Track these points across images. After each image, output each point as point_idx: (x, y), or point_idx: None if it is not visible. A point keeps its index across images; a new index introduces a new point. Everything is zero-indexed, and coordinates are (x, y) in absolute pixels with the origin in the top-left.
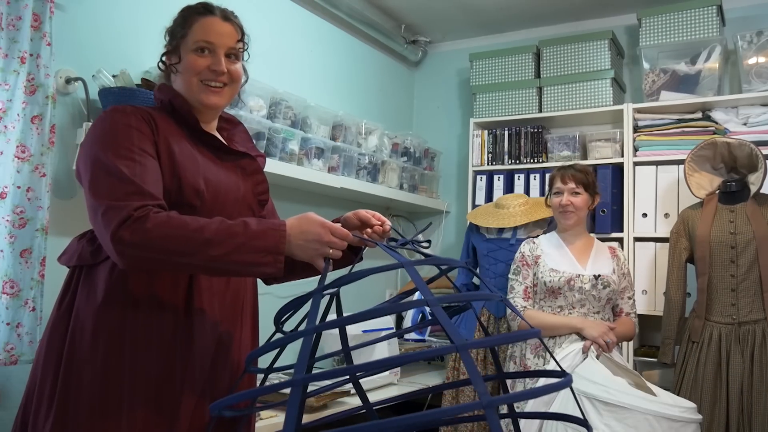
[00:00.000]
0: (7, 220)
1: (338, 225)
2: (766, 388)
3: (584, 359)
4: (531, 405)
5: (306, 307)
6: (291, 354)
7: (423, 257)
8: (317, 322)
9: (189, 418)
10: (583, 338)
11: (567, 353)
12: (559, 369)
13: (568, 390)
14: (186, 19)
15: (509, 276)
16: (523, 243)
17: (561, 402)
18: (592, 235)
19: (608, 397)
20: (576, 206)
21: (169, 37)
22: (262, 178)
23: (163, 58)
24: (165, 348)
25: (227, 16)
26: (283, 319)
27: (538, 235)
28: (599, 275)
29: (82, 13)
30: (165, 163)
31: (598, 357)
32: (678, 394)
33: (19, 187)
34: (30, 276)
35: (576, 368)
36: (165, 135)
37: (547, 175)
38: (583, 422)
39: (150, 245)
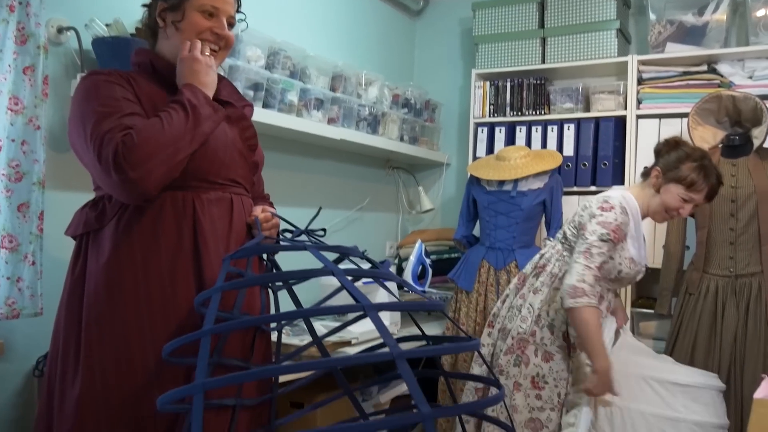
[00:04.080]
0: (3, 174)
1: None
2: (758, 340)
3: (616, 339)
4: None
5: None
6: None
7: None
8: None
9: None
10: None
11: (610, 337)
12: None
13: (625, 375)
14: None
15: (595, 239)
16: (622, 208)
17: (622, 388)
18: None
19: (680, 379)
20: (681, 216)
21: None
22: (248, 124)
23: (154, 12)
24: (180, 289)
25: None
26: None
27: (538, 188)
28: (649, 268)
29: None
30: (150, 116)
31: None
32: (674, 345)
33: (13, 141)
34: (28, 230)
35: (617, 345)
36: (147, 93)
37: (549, 128)
38: (495, 383)
39: (147, 157)
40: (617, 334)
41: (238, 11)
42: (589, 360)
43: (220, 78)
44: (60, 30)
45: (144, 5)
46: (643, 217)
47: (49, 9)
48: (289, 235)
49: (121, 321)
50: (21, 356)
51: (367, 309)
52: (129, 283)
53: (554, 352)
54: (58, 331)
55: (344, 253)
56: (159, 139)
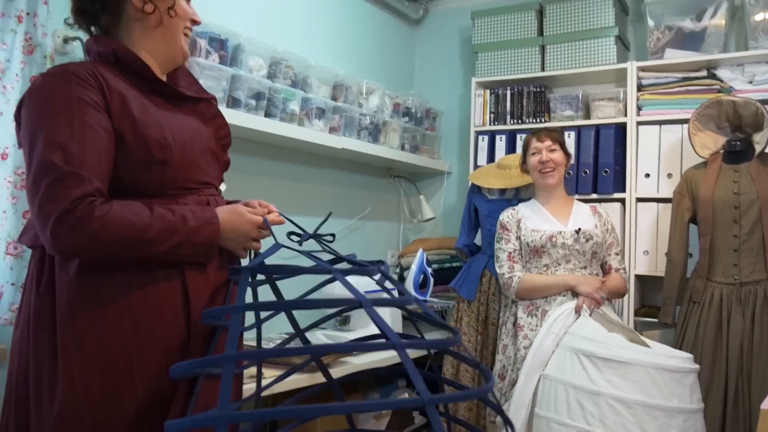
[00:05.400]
0: (9, 181)
1: (261, 219)
2: (765, 349)
3: (577, 318)
4: (526, 369)
5: None
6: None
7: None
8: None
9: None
10: (574, 297)
11: (560, 313)
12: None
13: (564, 350)
14: None
15: (495, 246)
16: (502, 212)
17: (557, 362)
18: (572, 196)
19: (608, 354)
20: (556, 162)
21: None
22: (222, 122)
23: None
24: (163, 294)
25: None
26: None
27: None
28: (579, 229)
29: None
30: (124, 124)
31: (590, 314)
32: None
33: (19, 148)
34: None
35: (570, 327)
36: (118, 91)
37: None
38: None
39: (95, 247)
40: (578, 314)
41: None
42: (573, 287)
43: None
44: (66, 40)
45: None
46: (545, 193)
47: (55, 19)
48: (296, 239)
49: (102, 335)
50: None
51: (398, 347)
52: (106, 293)
53: (508, 343)
54: (24, 349)
55: (367, 273)
56: (115, 245)
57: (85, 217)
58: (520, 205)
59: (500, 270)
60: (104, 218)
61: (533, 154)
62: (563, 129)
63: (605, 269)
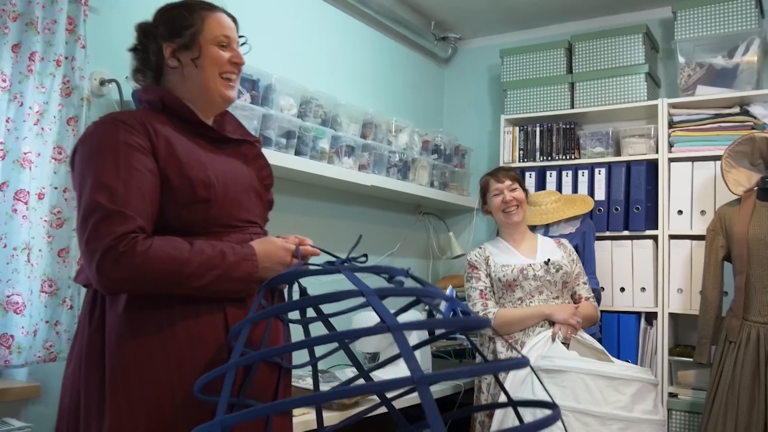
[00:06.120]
0: (45, 221)
1: (293, 247)
2: None
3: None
4: (502, 398)
5: None
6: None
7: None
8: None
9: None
10: (552, 326)
11: (536, 342)
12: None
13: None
14: (193, 13)
15: (465, 287)
16: (469, 252)
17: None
18: (535, 234)
19: (549, 365)
20: (518, 200)
21: (174, 32)
22: (264, 163)
23: (163, 52)
24: (206, 333)
25: (226, 12)
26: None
27: (570, 233)
28: (549, 259)
29: (115, 16)
30: (170, 165)
31: (566, 342)
32: (714, 395)
33: (56, 188)
34: (67, 275)
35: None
36: (164, 136)
37: (580, 172)
38: (552, 405)
39: (137, 281)
40: (553, 341)
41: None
42: (549, 315)
43: (225, 112)
44: (102, 82)
45: (134, 49)
46: (509, 231)
47: (92, 62)
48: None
49: (147, 366)
50: (57, 399)
51: (392, 329)
52: (152, 325)
53: (491, 380)
54: (75, 384)
55: (380, 272)
56: (155, 278)
57: (128, 253)
58: (486, 243)
59: (474, 308)
60: (146, 253)
61: (495, 195)
62: (593, 166)
63: (575, 299)
